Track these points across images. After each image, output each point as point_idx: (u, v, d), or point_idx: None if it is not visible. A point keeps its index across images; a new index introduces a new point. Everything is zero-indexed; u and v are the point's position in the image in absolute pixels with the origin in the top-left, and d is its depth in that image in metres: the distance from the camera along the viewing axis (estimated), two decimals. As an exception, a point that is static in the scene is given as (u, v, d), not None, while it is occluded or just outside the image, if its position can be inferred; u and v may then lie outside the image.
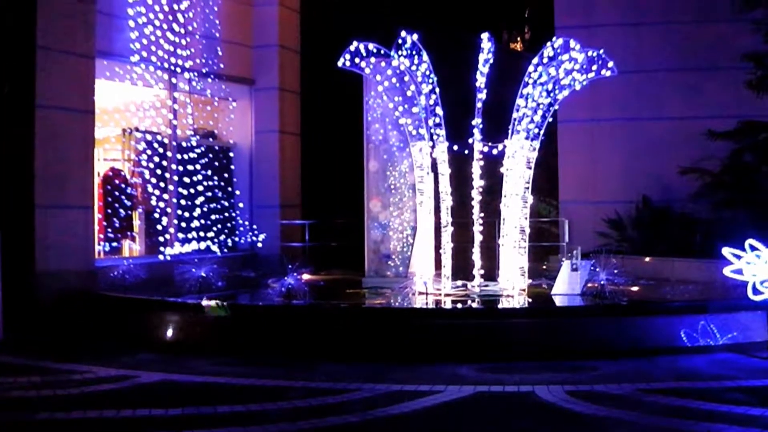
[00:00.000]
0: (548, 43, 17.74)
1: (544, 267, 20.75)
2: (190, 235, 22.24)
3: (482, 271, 18.05)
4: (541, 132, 17.87)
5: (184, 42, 22.20)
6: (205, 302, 15.46)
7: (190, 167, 22.48)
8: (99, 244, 20.34)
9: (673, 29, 23.98)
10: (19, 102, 17.38)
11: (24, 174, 17.44)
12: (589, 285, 17.14)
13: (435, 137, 17.88)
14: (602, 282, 16.69)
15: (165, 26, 21.65)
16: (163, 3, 21.59)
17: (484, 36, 17.45)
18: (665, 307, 16.08)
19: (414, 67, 17.66)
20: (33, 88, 17.50)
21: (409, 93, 18.13)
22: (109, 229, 20.93)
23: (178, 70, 22.07)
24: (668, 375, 12.71)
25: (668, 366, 13.30)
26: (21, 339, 16.09)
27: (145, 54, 21.07)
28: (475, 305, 16.75)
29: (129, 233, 21.54)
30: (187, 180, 22.36)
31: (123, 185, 21.32)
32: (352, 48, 17.67)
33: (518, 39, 29.89)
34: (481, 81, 17.53)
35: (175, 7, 21.98)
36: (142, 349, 14.92)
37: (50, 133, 17.74)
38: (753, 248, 14.80)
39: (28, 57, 17.56)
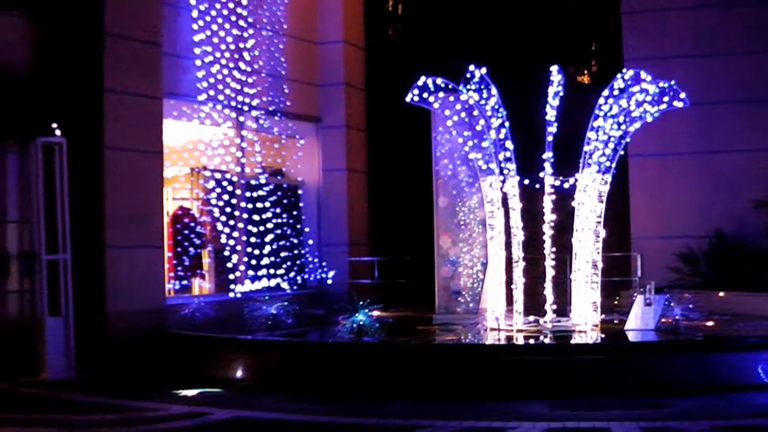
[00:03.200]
0: (618, 75, 17.59)
1: (616, 302, 20.50)
2: (259, 273, 22.20)
3: (554, 307, 17.90)
4: (613, 165, 17.71)
5: (250, 80, 22.26)
6: None
7: (258, 205, 22.49)
8: (169, 283, 20.38)
9: (743, 61, 23.70)
10: (88, 144, 17.51)
11: (94, 215, 17.56)
12: (663, 320, 16.92)
13: (505, 171, 17.78)
14: (677, 317, 16.47)
15: (231, 65, 21.71)
16: (229, 42, 21.66)
17: (554, 69, 17.36)
18: (741, 342, 15.78)
19: (483, 101, 17.59)
20: (102, 130, 17.63)
21: (478, 127, 18.02)
22: (179, 268, 20.97)
23: (245, 108, 22.11)
24: (744, 412, 12.49)
25: (744, 402, 13.08)
26: (93, 377, 16.22)
27: (212, 93, 21.11)
28: (547, 341, 16.60)
29: (198, 271, 21.56)
30: (256, 218, 22.37)
31: (192, 224, 21.37)
32: (420, 83, 17.62)
33: (585, 72, 29.68)
34: (551, 114, 17.41)
35: (241, 45, 22.04)
36: (213, 387, 14.93)
37: (120, 174, 17.85)
38: (831, 281, 14.58)
39: (96, 100, 17.71)
